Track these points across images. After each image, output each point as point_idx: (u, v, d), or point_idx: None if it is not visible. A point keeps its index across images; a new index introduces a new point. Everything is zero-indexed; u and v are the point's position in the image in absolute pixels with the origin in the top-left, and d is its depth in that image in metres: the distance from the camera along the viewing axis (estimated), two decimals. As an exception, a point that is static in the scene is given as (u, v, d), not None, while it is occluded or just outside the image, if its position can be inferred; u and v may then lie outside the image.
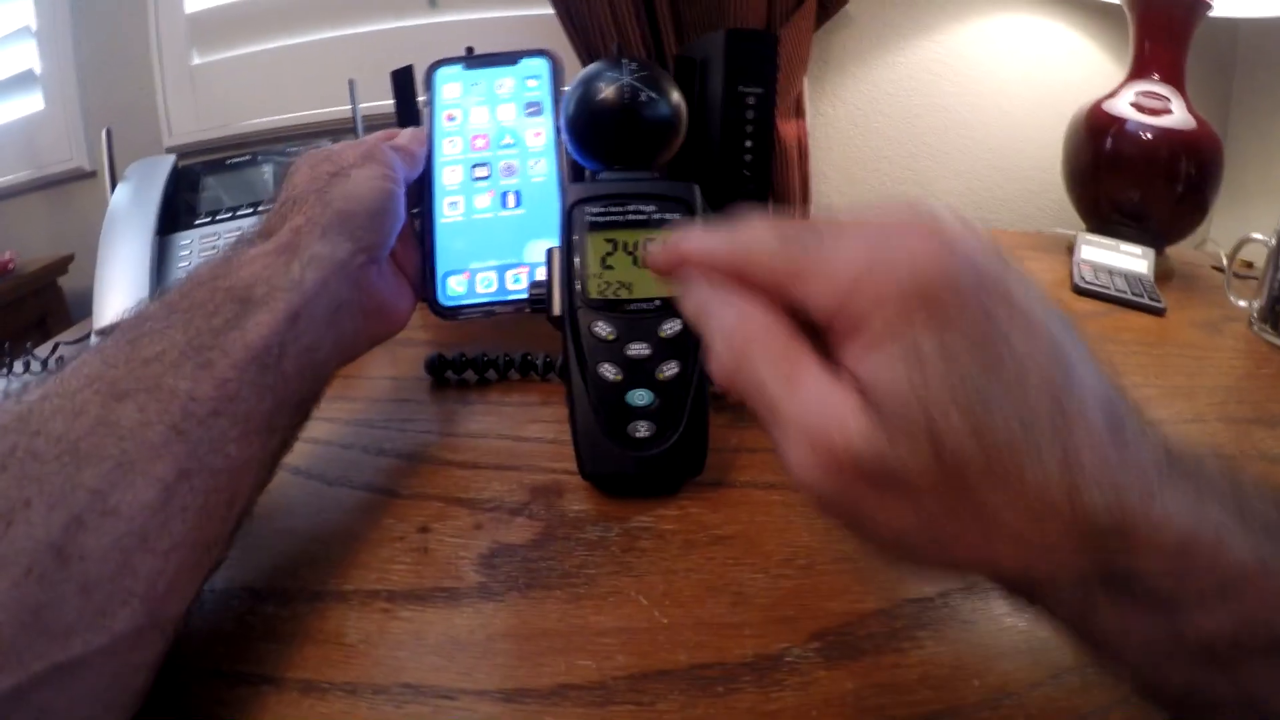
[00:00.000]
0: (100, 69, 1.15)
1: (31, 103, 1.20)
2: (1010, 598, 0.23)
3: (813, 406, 0.20)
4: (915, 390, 0.19)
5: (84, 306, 1.18)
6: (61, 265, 1.16)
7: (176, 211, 0.68)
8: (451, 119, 0.52)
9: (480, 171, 0.51)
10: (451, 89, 0.52)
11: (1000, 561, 0.21)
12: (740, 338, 0.22)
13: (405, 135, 0.48)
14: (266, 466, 0.32)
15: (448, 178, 0.50)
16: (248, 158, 0.71)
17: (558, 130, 0.51)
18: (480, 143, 0.51)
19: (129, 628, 0.24)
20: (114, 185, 0.70)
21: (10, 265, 1.08)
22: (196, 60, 1.10)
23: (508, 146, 0.51)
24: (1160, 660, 0.21)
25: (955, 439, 0.18)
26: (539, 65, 0.53)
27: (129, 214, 0.66)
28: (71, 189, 1.21)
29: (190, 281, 0.33)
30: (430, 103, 0.52)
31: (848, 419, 0.19)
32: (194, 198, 0.70)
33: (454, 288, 0.49)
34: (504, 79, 0.53)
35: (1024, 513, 0.19)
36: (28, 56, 1.19)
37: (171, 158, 0.70)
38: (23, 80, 1.20)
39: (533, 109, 0.52)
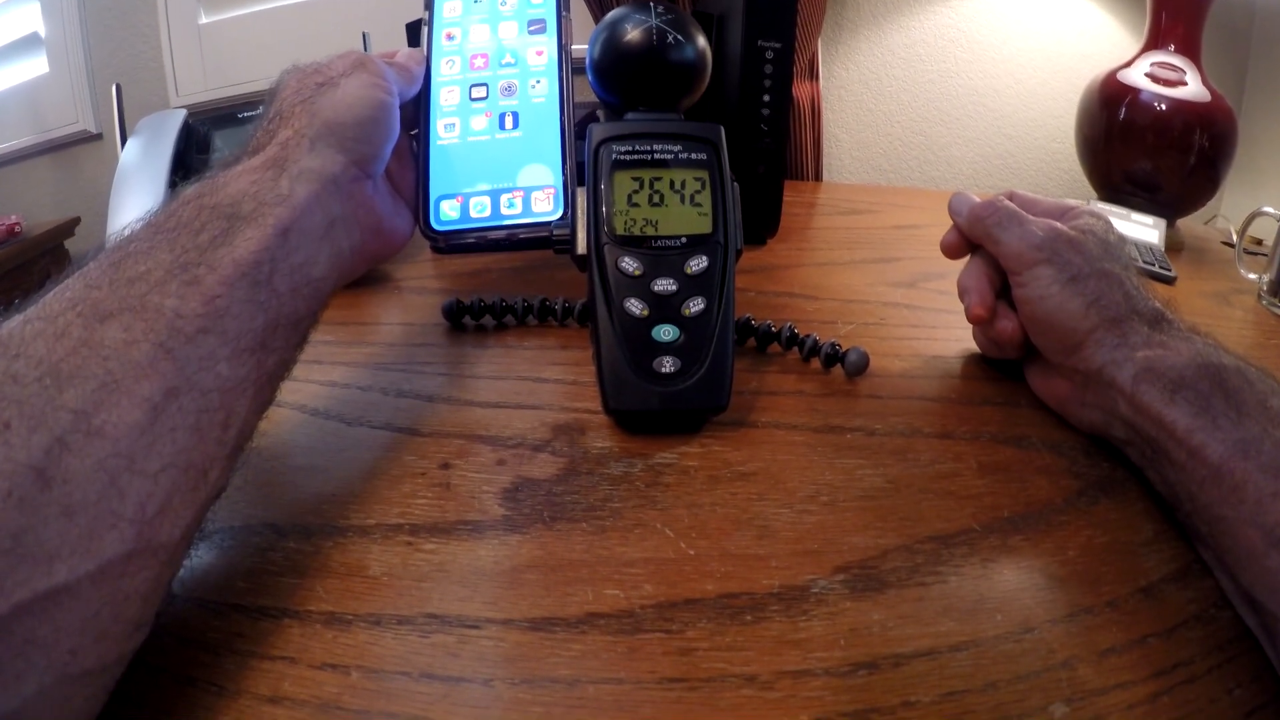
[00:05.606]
0: (106, 30, 1.14)
1: (36, 65, 1.19)
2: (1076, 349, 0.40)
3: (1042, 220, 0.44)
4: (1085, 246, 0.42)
5: (91, 269, 1.18)
6: (68, 228, 1.16)
7: (188, 165, 0.67)
8: (450, 38, 0.50)
9: (478, 92, 0.49)
10: (452, 6, 0.51)
11: (1082, 323, 0.39)
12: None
13: (403, 53, 0.47)
14: (263, 388, 0.30)
15: (444, 99, 0.49)
16: (259, 112, 0.70)
17: (560, 49, 0.49)
18: (479, 62, 0.49)
19: (117, 553, 0.23)
20: (124, 141, 0.69)
21: (17, 229, 1.08)
22: (204, 19, 1.09)
23: (508, 65, 0.50)
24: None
25: (1087, 258, 0.41)
26: None
27: (141, 167, 0.65)
28: (77, 152, 1.21)
29: (176, 201, 0.31)
30: (429, 21, 0.50)
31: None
32: (204, 153, 0.69)
33: (447, 212, 0.47)
34: None
35: (1097, 304, 0.40)
36: (32, 19, 1.18)
37: (182, 112, 0.70)
38: (27, 43, 1.19)
39: (536, 26, 0.50)
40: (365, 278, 0.54)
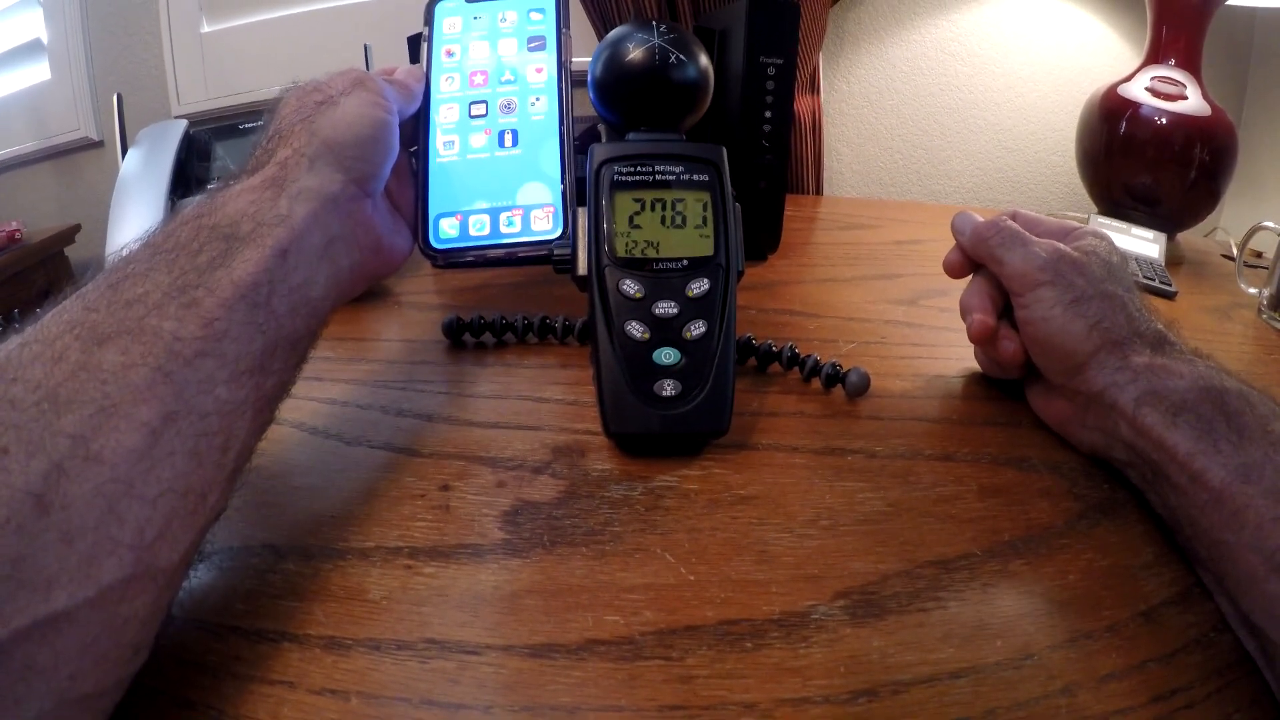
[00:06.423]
0: (108, 37, 1.14)
1: (38, 72, 1.19)
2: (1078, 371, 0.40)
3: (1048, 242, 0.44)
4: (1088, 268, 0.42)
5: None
6: (68, 235, 1.15)
7: (189, 176, 0.67)
8: (450, 54, 0.50)
9: (477, 109, 0.49)
10: (452, 23, 0.51)
11: (1083, 346, 0.39)
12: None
13: (402, 70, 0.47)
14: (262, 410, 0.30)
15: (443, 116, 0.49)
16: (261, 123, 0.70)
17: (560, 66, 0.49)
18: (479, 79, 0.49)
19: (116, 578, 0.23)
20: (124, 150, 0.69)
21: (17, 236, 1.07)
22: (206, 28, 1.09)
23: (508, 83, 0.49)
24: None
25: (1090, 280, 0.41)
26: None
27: (141, 177, 0.65)
28: (78, 159, 1.20)
29: (174, 221, 0.31)
30: (429, 38, 0.50)
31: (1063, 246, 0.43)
32: (205, 162, 0.69)
33: (446, 230, 0.47)
34: (507, 12, 0.51)
35: (1100, 327, 0.39)
36: (34, 25, 1.18)
37: (183, 123, 0.70)
38: (30, 50, 1.19)
39: (535, 44, 0.50)
40: (365, 292, 0.54)
